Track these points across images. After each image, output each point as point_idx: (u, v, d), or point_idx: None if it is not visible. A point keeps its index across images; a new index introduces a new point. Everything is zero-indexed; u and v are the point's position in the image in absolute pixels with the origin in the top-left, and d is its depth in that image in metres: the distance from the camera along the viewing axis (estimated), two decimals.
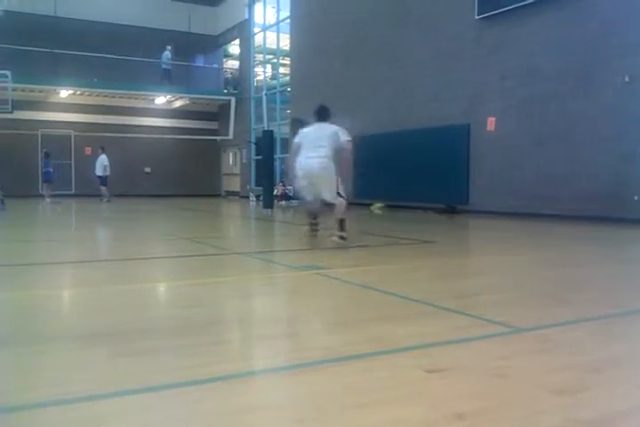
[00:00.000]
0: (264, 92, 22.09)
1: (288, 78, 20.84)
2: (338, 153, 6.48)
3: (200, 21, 24.35)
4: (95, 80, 20.68)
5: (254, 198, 19.10)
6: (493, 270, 5.10)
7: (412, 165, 13.56)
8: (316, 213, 6.93)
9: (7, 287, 4.13)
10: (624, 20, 9.59)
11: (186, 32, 23.75)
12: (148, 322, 3.08)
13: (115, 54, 20.53)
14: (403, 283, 4.26)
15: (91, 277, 4.66)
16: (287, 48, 20.57)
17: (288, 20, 20.02)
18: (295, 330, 3.00)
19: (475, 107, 12.22)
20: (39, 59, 19.68)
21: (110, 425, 1.74)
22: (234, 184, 24.73)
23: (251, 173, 23.20)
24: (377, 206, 14.13)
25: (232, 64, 25.78)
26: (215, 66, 25.43)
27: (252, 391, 2.06)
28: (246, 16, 22.83)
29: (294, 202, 16.29)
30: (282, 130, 20.12)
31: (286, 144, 19.83)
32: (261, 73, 23.45)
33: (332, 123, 6.68)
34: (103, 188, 18.45)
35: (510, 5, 11.29)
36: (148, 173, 23.89)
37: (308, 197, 6.62)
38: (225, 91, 23.79)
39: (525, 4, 10.98)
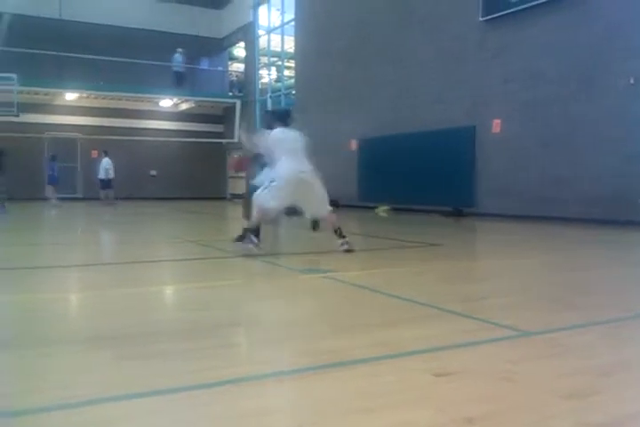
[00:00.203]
0: (269, 95, 22.11)
1: (293, 81, 20.86)
2: None
3: (205, 24, 24.40)
4: (101, 83, 20.73)
5: None
6: (500, 274, 5.08)
7: (417, 167, 13.54)
8: (272, 221, 6.55)
9: (12, 290, 4.14)
10: (629, 23, 9.57)
11: (191, 35, 23.80)
12: (155, 325, 3.07)
13: (120, 57, 20.57)
14: (409, 286, 4.25)
15: (96, 280, 4.66)
16: (292, 50, 20.59)
17: (292, 23, 20.05)
18: (301, 334, 2.99)
19: (479, 109, 12.21)
20: (45, 62, 19.75)
21: None
22: (239, 187, 24.71)
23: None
24: (382, 209, 14.10)
25: (237, 67, 25.83)
26: (220, 69, 25.47)
27: (260, 395, 2.05)
28: (251, 19, 22.88)
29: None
30: None
31: None
32: (266, 75, 23.48)
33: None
34: (105, 191, 18.51)
35: (514, 7, 11.28)
36: (153, 175, 23.94)
37: (279, 204, 5.92)
38: (230, 93, 23.83)
39: (529, 7, 10.97)
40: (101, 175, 18.64)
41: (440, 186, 12.89)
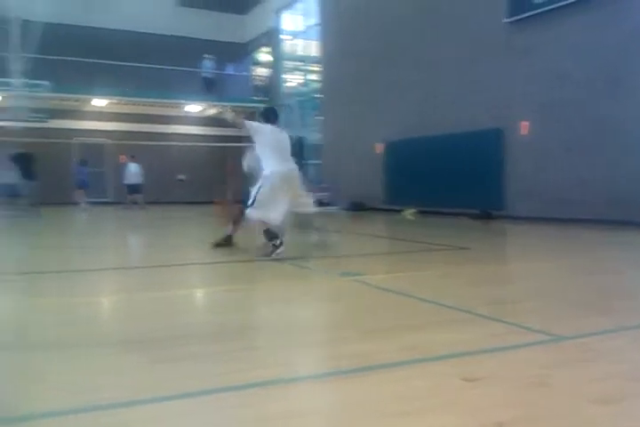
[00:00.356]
0: (293, 99, 22.23)
1: (317, 85, 20.92)
2: None
3: (229, 29, 24.63)
4: (128, 89, 21.04)
5: None
6: (529, 277, 5.02)
7: (444, 170, 13.44)
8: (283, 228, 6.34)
9: (44, 293, 4.21)
10: None
11: (215, 40, 24.03)
12: (184, 328, 3.10)
13: (146, 63, 20.89)
14: (437, 289, 4.23)
15: (126, 283, 4.73)
16: (316, 54, 20.64)
17: (317, 27, 20.11)
18: (330, 337, 3.00)
19: (505, 111, 12.08)
20: (74, 69, 20.08)
21: None
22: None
23: None
24: (409, 212, 14.05)
25: (261, 71, 25.99)
26: (245, 73, 25.66)
27: (289, 398, 2.05)
28: (274, 23, 23.01)
29: (328, 208, 16.31)
30: (312, 136, 20.25)
31: (317, 150, 19.95)
32: (291, 80, 23.57)
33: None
34: (133, 196, 18.75)
35: (540, 8, 11.17)
36: (181, 180, 24.16)
37: (277, 212, 5.84)
38: (255, 98, 23.98)
39: (556, 8, 10.85)
40: (129, 180, 18.88)
41: (468, 189, 12.79)
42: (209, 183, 24.04)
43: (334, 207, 16.37)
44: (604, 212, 9.79)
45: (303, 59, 22.18)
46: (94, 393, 2.06)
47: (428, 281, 4.65)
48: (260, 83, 25.08)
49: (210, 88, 22.76)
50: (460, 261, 6.03)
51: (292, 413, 1.88)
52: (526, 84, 11.61)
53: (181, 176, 23.74)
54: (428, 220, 12.62)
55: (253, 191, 5.93)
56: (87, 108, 22.48)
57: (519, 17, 11.66)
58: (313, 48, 21.10)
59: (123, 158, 20.14)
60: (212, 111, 24.14)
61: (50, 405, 1.97)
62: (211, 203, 17.52)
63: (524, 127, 11.69)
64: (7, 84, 18.98)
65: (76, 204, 18.85)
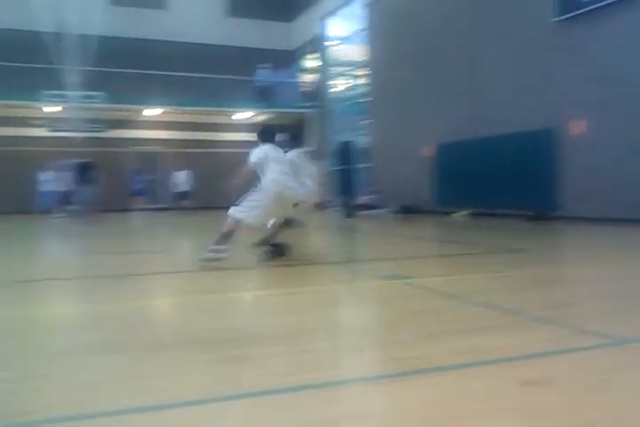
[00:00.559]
0: (341, 104, 22.29)
1: (363, 89, 20.92)
2: None
3: (276, 37, 24.98)
4: (181, 99, 21.54)
5: (339, 208, 19.15)
6: (587, 280, 4.90)
7: (496, 171, 13.25)
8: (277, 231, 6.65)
9: (110, 298, 4.33)
10: None
11: (263, 48, 24.37)
12: (242, 330, 3.17)
13: (197, 72, 21.36)
14: (491, 292, 4.17)
15: (185, 286, 4.85)
16: (362, 59, 20.65)
17: (362, 32, 20.13)
18: (385, 339, 3.00)
19: (557, 111, 11.82)
20: (128, 80, 20.68)
21: None
22: None
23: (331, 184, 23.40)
24: (460, 214, 13.89)
25: (308, 77, 26.18)
26: (293, 80, 25.89)
27: (342, 401, 2.08)
28: (320, 30, 23.17)
29: (378, 211, 16.28)
30: (360, 140, 20.27)
31: (365, 154, 19.93)
32: (337, 85, 23.65)
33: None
34: (183, 202, 19.21)
35: (590, 6, 10.93)
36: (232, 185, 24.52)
37: (257, 221, 6.12)
38: (303, 104, 24.17)
39: (606, 4, 10.59)
40: (177, 188, 19.38)
41: (520, 190, 12.56)
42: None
43: (383, 210, 16.33)
44: None
45: (349, 64, 22.20)
46: (158, 394, 2.13)
47: (483, 284, 4.59)
48: (307, 89, 25.25)
49: (264, 96, 23.08)
50: (515, 263, 5.91)
51: (345, 416, 1.90)
52: (578, 83, 11.35)
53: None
54: (480, 222, 12.43)
55: (247, 195, 6.07)
56: (140, 118, 23.12)
57: (568, 15, 11.45)
58: (358, 53, 21.12)
59: (175, 166, 20.63)
60: (260, 118, 24.48)
61: (115, 405, 2.03)
62: None
63: (576, 126, 11.41)
64: (64, 97, 19.71)
65: (132, 210, 19.42)
